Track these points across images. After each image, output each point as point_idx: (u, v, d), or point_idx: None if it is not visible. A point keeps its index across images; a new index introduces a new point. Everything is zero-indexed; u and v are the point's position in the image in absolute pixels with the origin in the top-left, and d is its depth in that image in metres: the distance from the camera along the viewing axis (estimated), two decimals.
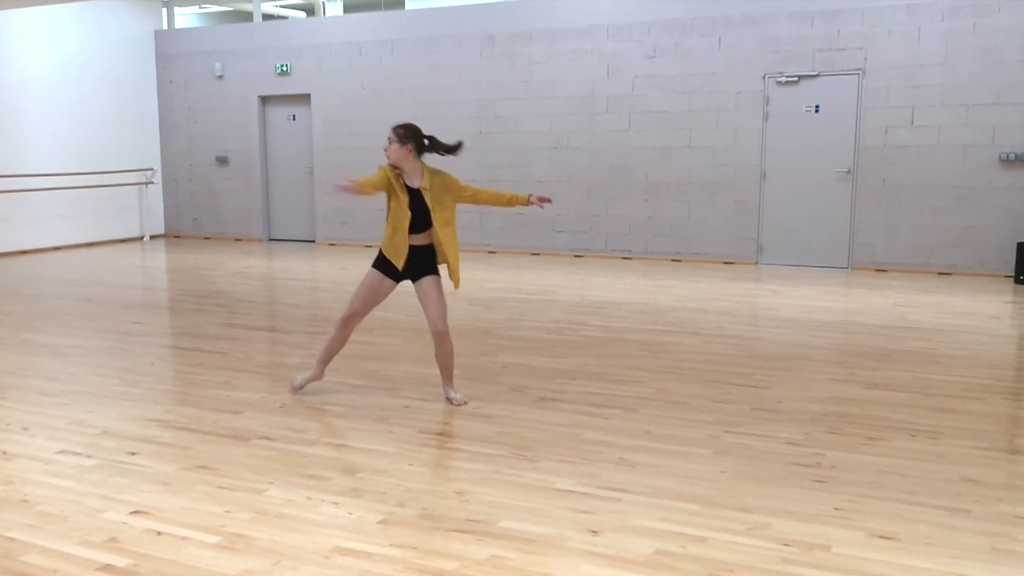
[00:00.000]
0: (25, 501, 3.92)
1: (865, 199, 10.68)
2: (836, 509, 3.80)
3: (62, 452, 4.57)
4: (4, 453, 4.55)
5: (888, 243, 10.66)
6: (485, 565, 3.32)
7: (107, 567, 3.31)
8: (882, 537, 3.53)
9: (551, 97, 12.08)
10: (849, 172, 10.72)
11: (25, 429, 4.94)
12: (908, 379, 5.92)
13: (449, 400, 5.42)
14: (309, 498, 3.93)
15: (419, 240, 5.42)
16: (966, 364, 6.32)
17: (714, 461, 4.39)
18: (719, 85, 11.18)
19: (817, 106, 10.77)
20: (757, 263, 11.30)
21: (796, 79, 10.81)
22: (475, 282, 10.04)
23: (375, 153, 13.25)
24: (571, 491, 4.01)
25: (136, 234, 14.58)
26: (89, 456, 4.51)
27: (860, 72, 10.51)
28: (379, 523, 3.67)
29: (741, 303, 8.79)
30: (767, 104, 10.99)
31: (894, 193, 10.56)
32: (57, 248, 13.27)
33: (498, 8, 12.41)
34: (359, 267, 11.27)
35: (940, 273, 10.46)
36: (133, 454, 4.53)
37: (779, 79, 10.89)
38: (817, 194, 10.91)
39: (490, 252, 12.66)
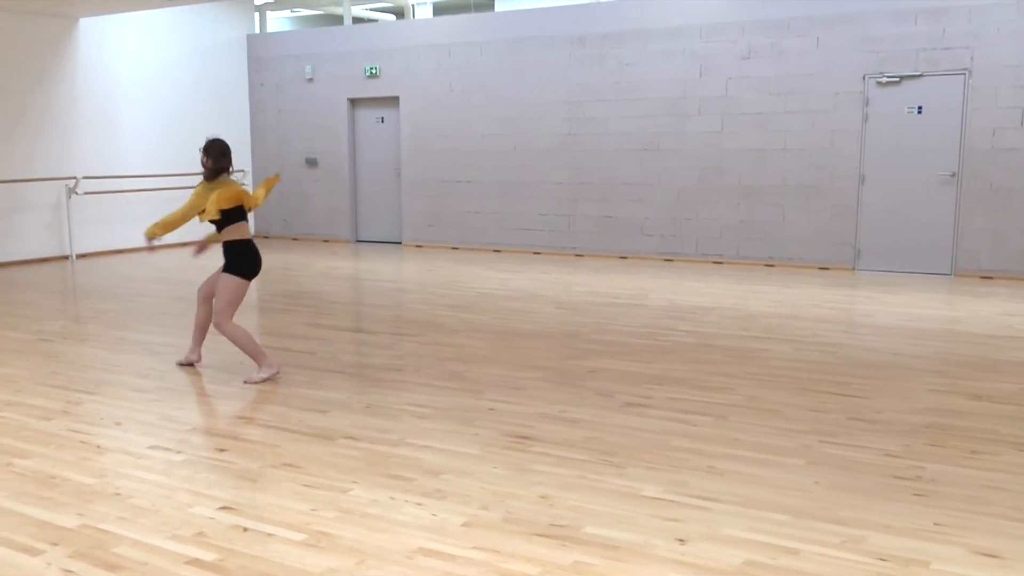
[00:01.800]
0: (118, 495, 3.99)
1: (970, 203, 10.29)
2: (936, 524, 3.64)
3: (153, 447, 4.65)
4: (98, 447, 4.65)
5: (994, 249, 10.25)
6: (569, 571, 3.25)
7: (195, 561, 3.34)
8: (985, 554, 3.38)
9: (641, 99, 11.95)
10: (953, 175, 10.34)
11: (118, 424, 5.05)
12: (1015, 391, 5.66)
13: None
14: (393, 498, 3.92)
15: None
16: None
17: (807, 471, 4.25)
18: (816, 86, 10.90)
19: (920, 107, 10.42)
20: (854, 269, 10.99)
21: (898, 79, 10.48)
22: (562, 285, 9.98)
23: (463, 155, 13.45)
24: (658, 498, 3.92)
25: None
26: (179, 452, 4.59)
27: (966, 72, 10.14)
28: (462, 525, 3.64)
29: (837, 310, 8.54)
30: (867, 105, 10.68)
31: (1002, 197, 10.15)
32: (151, 248, 13.60)
33: (588, 9, 12.33)
34: (445, 269, 11.34)
35: None
36: (221, 451, 4.59)
37: (880, 79, 10.57)
38: (919, 198, 10.55)
39: (577, 255, 12.58)
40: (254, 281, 10.92)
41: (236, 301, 5.98)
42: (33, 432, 4.88)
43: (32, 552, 3.43)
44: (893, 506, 3.84)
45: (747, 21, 11.22)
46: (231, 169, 6.04)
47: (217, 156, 5.90)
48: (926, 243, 10.57)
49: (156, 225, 6.16)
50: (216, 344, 7.12)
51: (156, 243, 6.28)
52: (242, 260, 5.97)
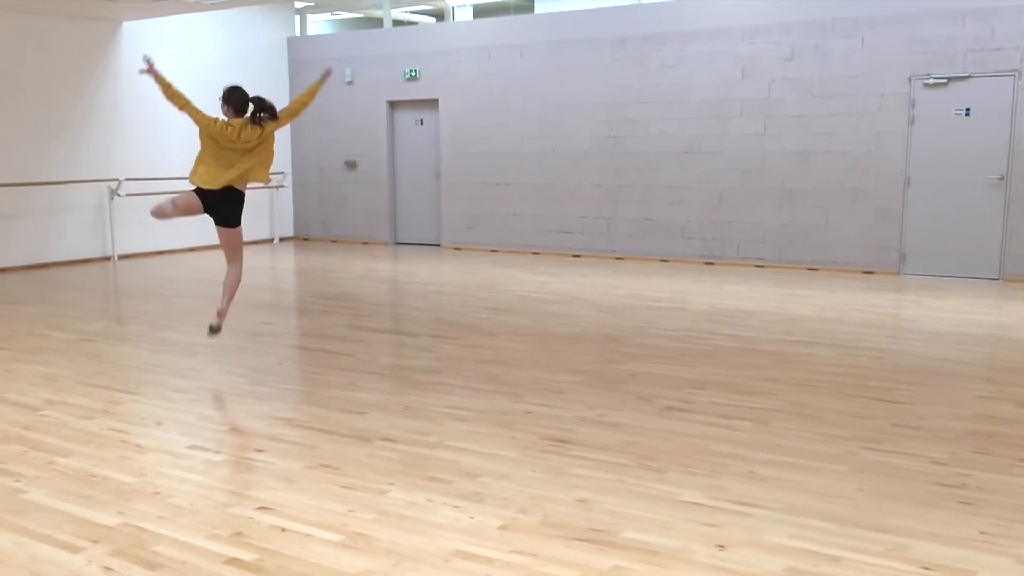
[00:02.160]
0: (157, 493, 4.01)
1: (1019, 206, 10.08)
2: (983, 533, 3.56)
3: (192, 447, 4.67)
4: (138, 447, 4.68)
5: None
6: None
7: (233, 560, 3.35)
8: None
9: (683, 101, 11.86)
10: (1002, 178, 10.15)
11: (158, 424, 5.08)
12: None
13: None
14: (430, 500, 3.90)
15: None
16: None
17: (850, 478, 4.17)
18: (861, 88, 10.76)
19: (968, 109, 10.24)
20: (899, 273, 10.82)
21: (945, 81, 10.31)
22: (601, 288, 9.93)
23: (503, 157, 13.43)
24: (698, 503, 3.87)
25: (266, 236, 14.98)
26: (218, 452, 4.61)
27: (1016, 73, 9.94)
28: (500, 528, 3.62)
29: (882, 314, 8.41)
30: (913, 107, 10.51)
31: None
32: (191, 249, 13.75)
33: (629, 11, 12.27)
34: (483, 271, 11.33)
35: None
36: (260, 451, 4.60)
37: (926, 81, 10.40)
38: (966, 201, 10.37)
39: (617, 258, 12.52)
40: (293, 284, 11.08)
41: (180, 199, 6.33)
42: (75, 431, 4.93)
43: (73, 549, 3.46)
44: (938, 514, 3.76)
45: (791, 22, 11.10)
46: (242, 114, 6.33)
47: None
48: (973, 247, 10.39)
49: (169, 88, 6.31)
50: (256, 346, 7.17)
51: (151, 69, 6.34)
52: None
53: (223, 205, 6.28)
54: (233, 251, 6.54)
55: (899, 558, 3.34)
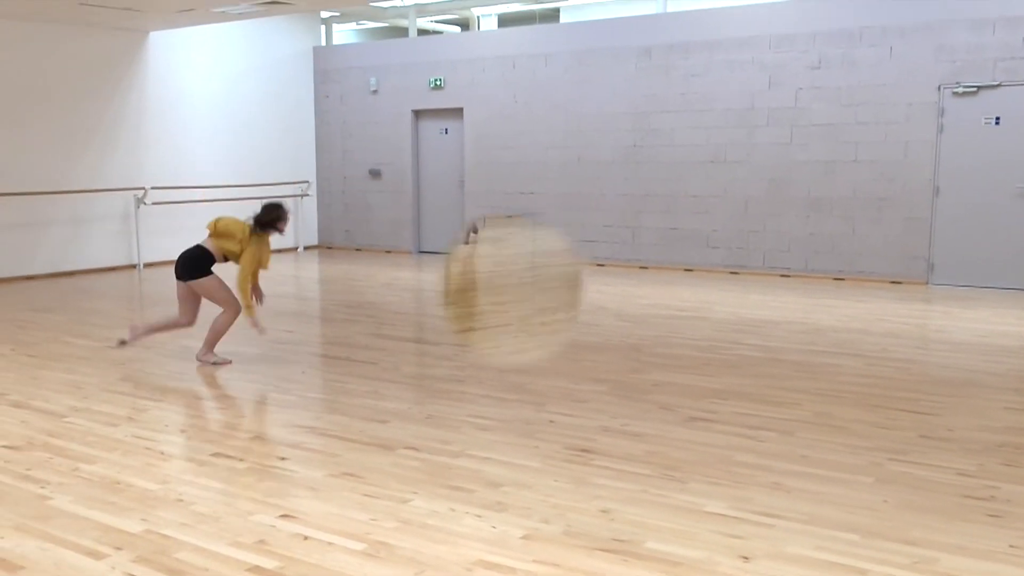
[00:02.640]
0: (180, 501, 4.03)
1: None
2: (1011, 547, 3.52)
3: (216, 455, 4.68)
4: (162, 454, 4.70)
5: None
6: None
7: (255, 568, 3.35)
8: None
9: (708, 110, 11.82)
10: None
11: (182, 431, 5.11)
12: None
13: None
14: (453, 510, 3.90)
15: None
16: None
17: (876, 490, 4.13)
18: (889, 97, 10.67)
19: (997, 118, 10.13)
20: (927, 283, 10.72)
21: (974, 89, 10.21)
22: (625, 297, 9.90)
23: (527, 166, 13.40)
24: (721, 514, 3.84)
25: (290, 245, 15.02)
26: (241, 460, 4.62)
27: None
28: (522, 538, 3.60)
29: (909, 325, 8.33)
30: (942, 116, 10.42)
31: None
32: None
33: (654, 20, 12.25)
34: None
35: None
36: (283, 459, 4.61)
37: (955, 90, 10.31)
38: (996, 211, 10.25)
39: (641, 267, 12.48)
40: (316, 292, 11.12)
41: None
42: (99, 438, 4.96)
43: (97, 556, 3.47)
44: (966, 527, 3.71)
45: (818, 31, 11.04)
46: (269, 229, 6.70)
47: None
48: (1003, 257, 10.27)
49: (246, 307, 6.67)
50: (279, 354, 7.19)
51: (257, 318, 6.76)
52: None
53: (181, 260, 6.80)
54: (212, 300, 6.81)
55: (926, 571, 3.30)
